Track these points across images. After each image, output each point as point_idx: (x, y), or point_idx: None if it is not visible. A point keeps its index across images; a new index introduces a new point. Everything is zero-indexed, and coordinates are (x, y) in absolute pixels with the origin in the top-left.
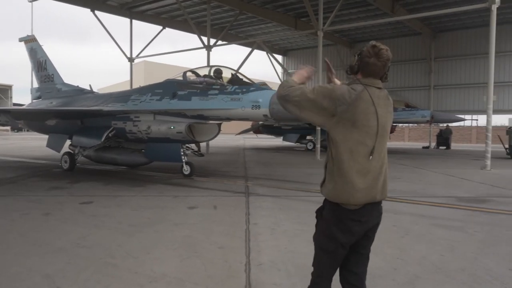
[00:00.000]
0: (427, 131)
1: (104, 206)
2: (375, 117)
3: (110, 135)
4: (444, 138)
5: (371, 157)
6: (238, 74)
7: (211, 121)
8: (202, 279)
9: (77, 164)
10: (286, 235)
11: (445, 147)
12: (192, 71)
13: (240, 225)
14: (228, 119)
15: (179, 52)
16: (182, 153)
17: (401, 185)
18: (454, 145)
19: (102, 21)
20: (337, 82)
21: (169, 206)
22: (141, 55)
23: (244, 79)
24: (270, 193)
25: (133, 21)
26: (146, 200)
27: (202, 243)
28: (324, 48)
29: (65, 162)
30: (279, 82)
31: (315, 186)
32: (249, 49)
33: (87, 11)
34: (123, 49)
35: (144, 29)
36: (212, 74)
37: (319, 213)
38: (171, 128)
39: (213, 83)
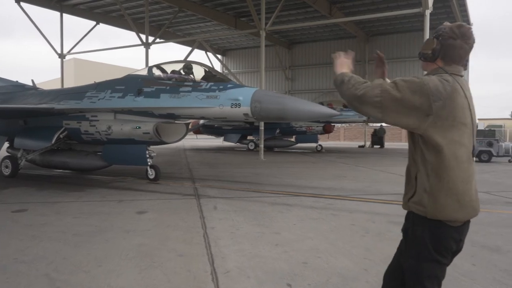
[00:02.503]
0: (361, 131)
1: (41, 214)
2: (469, 113)
3: (61, 136)
4: (378, 137)
5: (473, 160)
6: (211, 71)
7: (177, 121)
8: None
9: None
10: (247, 238)
11: (379, 146)
12: (158, 66)
13: (196, 230)
14: (203, 118)
15: (116, 48)
16: (147, 156)
17: (348, 183)
18: (386, 144)
19: (29, 13)
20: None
21: (115, 212)
22: (73, 51)
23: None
24: (221, 194)
25: (64, 15)
26: (88, 206)
27: (159, 251)
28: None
29: (6, 167)
30: None
31: (265, 186)
32: (187, 47)
33: (11, 2)
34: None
35: (74, 24)
36: (182, 70)
37: (410, 233)
38: (136, 128)
39: (184, 79)
